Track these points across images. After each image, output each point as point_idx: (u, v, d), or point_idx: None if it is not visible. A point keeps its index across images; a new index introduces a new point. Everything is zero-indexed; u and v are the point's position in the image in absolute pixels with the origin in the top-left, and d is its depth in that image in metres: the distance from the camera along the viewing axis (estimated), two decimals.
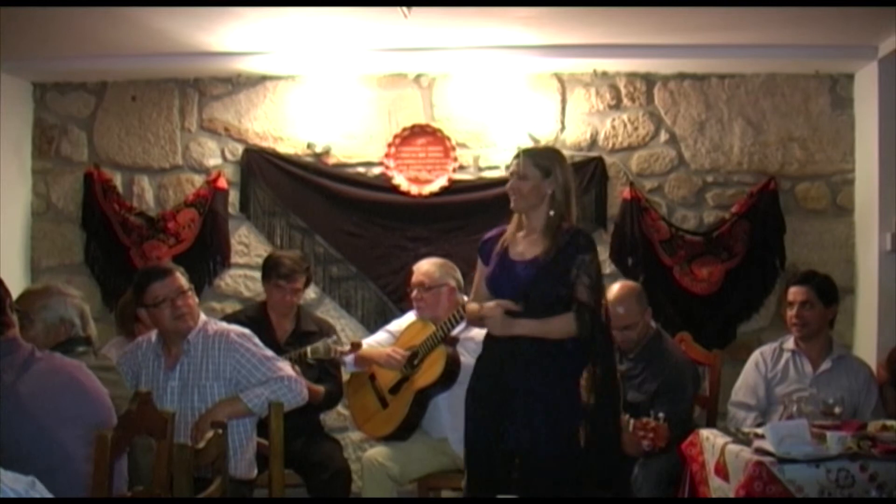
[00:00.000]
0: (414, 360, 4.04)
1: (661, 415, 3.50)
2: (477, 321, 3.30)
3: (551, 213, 3.22)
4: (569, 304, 3.14)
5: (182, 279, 3.51)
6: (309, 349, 4.04)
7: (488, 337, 3.32)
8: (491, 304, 3.20)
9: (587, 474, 3.15)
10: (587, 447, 3.13)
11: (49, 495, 1.75)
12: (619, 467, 3.24)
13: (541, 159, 3.27)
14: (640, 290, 4.11)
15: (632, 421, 3.58)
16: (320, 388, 4.11)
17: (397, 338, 4.22)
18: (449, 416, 4.00)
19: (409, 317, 4.32)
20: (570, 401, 3.15)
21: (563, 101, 5.04)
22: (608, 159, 5.01)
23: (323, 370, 4.19)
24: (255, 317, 4.27)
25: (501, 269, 3.26)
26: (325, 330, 4.32)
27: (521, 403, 3.16)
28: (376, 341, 4.29)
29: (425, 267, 4.21)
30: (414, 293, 4.18)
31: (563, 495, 3.13)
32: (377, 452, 4.06)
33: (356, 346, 4.18)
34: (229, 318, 4.10)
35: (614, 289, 4.04)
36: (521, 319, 3.15)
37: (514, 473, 3.18)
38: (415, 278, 4.20)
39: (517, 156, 3.31)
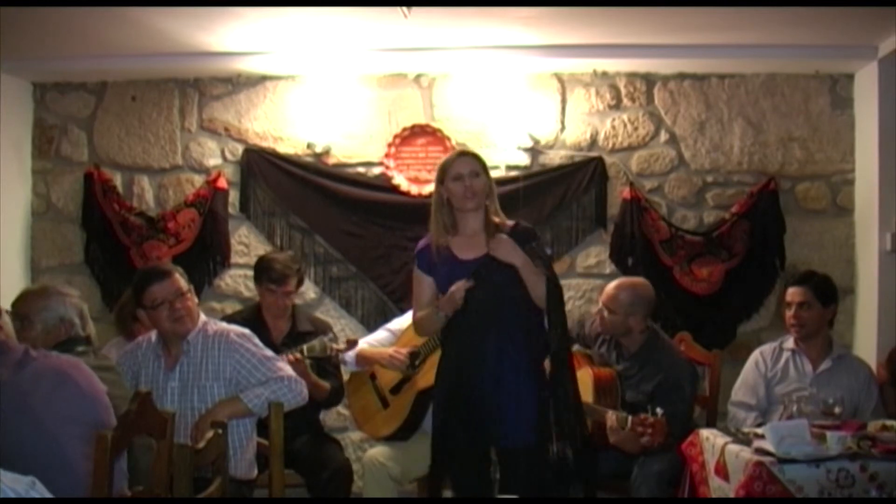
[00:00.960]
0: (415, 360, 4.04)
1: (658, 410, 3.51)
2: (457, 298, 3.28)
3: (490, 208, 3.35)
4: (521, 295, 3.24)
5: (181, 281, 3.49)
6: (305, 347, 4.04)
7: (453, 333, 3.34)
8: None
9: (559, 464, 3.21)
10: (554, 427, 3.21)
11: (49, 495, 1.75)
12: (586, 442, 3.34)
13: (481, 160, 3.39)
14: (652, 298, 4.03)
15: (630, 418, 3.59)
16: (326, 385, 4.11)
17: (398, 337, 4.21)
18: None
19: (410, 316, 4.31)
20: (539, 388, 3.22)
21: (563, 101, 5.04)
22: (608, 159, 5.01)
23: (322, 368, 4.18)
24: (251, 318, 4.25)
25: (455, 271, 3.30)
26: (322, 329, 4.31)
27: (492, 396, 3.20)
28: (376, 340, 4.28)
29: None
30: None
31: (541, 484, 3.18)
32: (378, 452, 4.06)
33: (352, 343, 4.18)
34: (226, 320, 4.09)
35: (638, 279, 4.13)
36: (521, 252, 3.25)
37: (491, 467, 3.25)
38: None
39: (461, 157, 3.39)
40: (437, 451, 3.37)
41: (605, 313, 4.01)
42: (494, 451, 3.30)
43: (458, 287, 3.25)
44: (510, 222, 3.38)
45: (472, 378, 3.24)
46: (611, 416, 3.70)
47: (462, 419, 3.25)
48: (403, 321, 4.31)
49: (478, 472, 3.29)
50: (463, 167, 3.33)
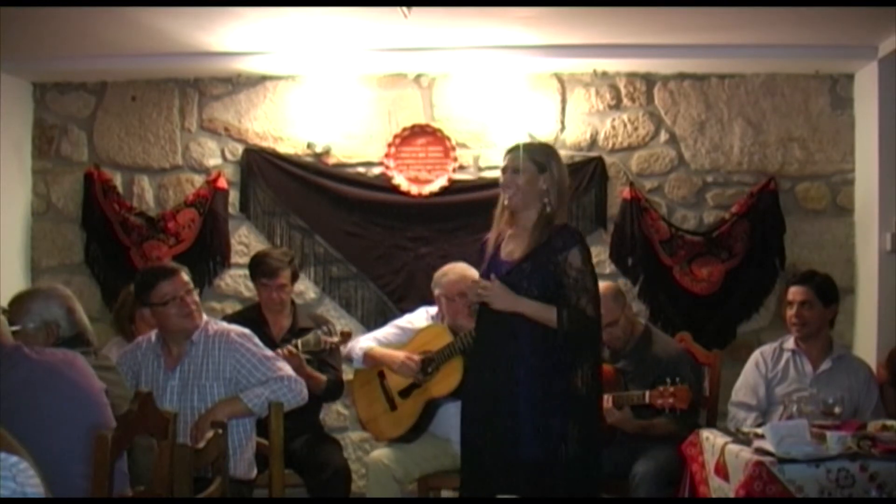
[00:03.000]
0: (428, 366, 3.96)
1: (677, 379, 3.58)
2: (476, 298, 3.22)
3: (547, 210, 3.16)
4: (554, 300, 3.11)
5: (187, 278, 3.51)
6: (300, 342, 4.02)
7: (482, 337, 3.29)
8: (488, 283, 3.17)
9: (578, 475, 3.14)
10: (577, 444, 3.11)
11: (32, 473, 1.73)
12: (596, 473, 3.24)
13: (537, 154, 3.21)
14: (617, 288, 4.15)
15: (647, 392, 3.61)
16: (322, 377, 4.09)
17: (410, 337, 4.14)
18: (456, 418, 3.97)
19: (421, 315, 4.26)
20: (563, 401, 3.12)
21: (563, 101, 5.04)
22: (608, 159, 5.01)
23: (322, 362, 4.18)
24: (251, 317, 4.26)
25: (490, 268, 3.25)
26: (322, 326, 4.31)
27: (503, 408, 3.14)
28: (384, 337, 4.20)
29: (472, 271, 4.11)
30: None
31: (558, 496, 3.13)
32: (382, 454, 4.02)
33: (346, 335, 4.17)
34: (227, 320, 4.08)
35: None
36: (524, 298, 3.10)
37: (512, 477, 3.16)
38: (463, 285, 4.00)
39: (512, 150, 3.25)
40: (466, 465, 3.29)
41: (611, 331, 3.97)
42: (507, 461, 3.19)
43: (472, 284, 3.22)
44: (558, 226, 3.17)
45: (486, 389, 3.20)
46: (606, 399, 3.72)
47: (477, 430, 3.22)
48: (416, 319, 4.23)
49: (490, 480, 3.21)
50: (508, 161, 3.22)
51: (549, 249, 3.12)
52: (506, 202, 3.22)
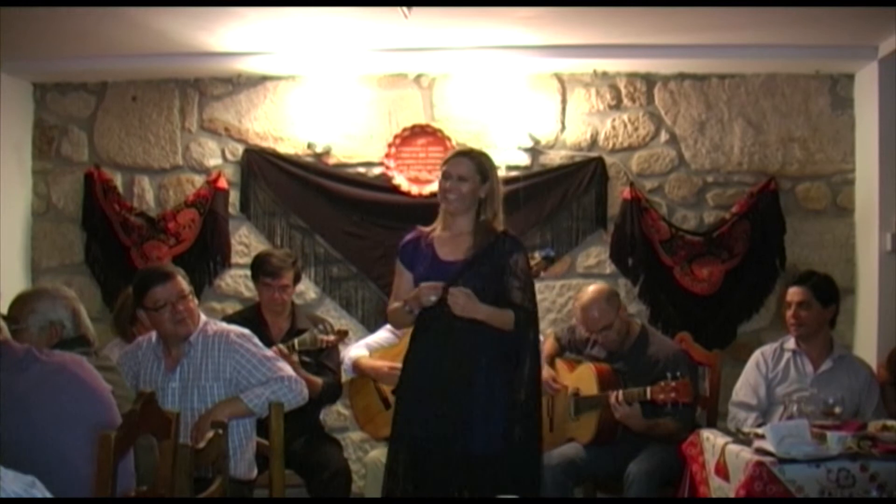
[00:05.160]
0: None
1: (678, 373, 3.59)
2: (429, 303, 3.24)
3: (482, 216, 3.30)
4: (499, 303, 3.21)
5: (183, 283, 3.48)
6: (296, 341, 4.02)
7: (421, 331, 3.32)
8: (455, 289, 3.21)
9: (521, 471, 3.19)
10: (518, 444, 3.18)
11: (49, 495, 1.75)
12: (540, 464, 3.32)
13: (480, 164, 3.33)
14: (609, 290, 4.14)
15: (648, 388, 3.62)
16: (318, 380, 4.10)
17: (401, 339, 4.19)
18: None
19: None
20: (504, 397, 3.18)
21: (563, 101, 5.04)
22: (608, 159, 5.01)
23: (320, 364, 4.18)
24: (251, 318, 4.25)
25: (433, 269, 3.28)
26: (318, 325, 4.31)
27: (460, 402, 3.17)
28: (376, 341, 4.28)
29: None
30: None
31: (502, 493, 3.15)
32: (380, 454, 4.04)
33: (342, 334, 4.19)
34: (226, 320, 4.08)
35: (589, 291, 4.07)
36: (482, 304, 3.18)
37: (451, 471, 3.20)
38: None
39: (456, 156, 3.36)
40: (397, 450, 3.32)
41: (606, 334, 4.00)
42: (461, 456, 3.22)
43: (426, 287, 3.23)
44: (500, 229, 3.32)
45: (439, 382, 3.21)
46: (612, 394, 3.75)
47: (427, 423, 3.22)
48: None
49: (441, 476, 3.23)
50: (452, 168, 3.31)
51: (498, 253, 3.25)
52: (447, 207, 3.31)
